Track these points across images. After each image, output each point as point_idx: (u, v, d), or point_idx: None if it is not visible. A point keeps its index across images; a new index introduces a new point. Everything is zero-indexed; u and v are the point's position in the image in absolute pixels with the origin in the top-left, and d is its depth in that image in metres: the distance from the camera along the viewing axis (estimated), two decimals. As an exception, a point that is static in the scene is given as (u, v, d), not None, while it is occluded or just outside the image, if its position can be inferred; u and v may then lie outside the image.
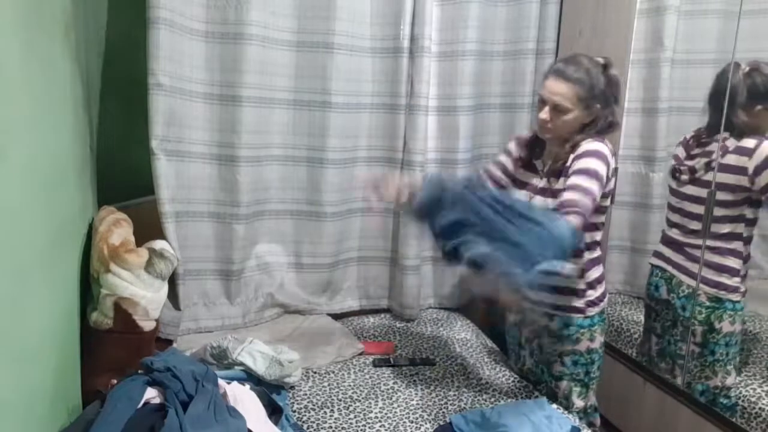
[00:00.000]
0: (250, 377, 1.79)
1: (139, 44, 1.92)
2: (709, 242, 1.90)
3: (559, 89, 1.65)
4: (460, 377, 2.04)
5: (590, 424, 1.87)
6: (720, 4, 2.08)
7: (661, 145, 2.27)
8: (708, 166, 1.87)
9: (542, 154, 1.81)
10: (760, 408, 1.82)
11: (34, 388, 1.12)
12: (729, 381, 1.92)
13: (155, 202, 2.02)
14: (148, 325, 1.63)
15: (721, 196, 1.84)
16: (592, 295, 1.77)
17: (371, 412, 1.82)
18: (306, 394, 1.89)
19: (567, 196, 1.57)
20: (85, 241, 1.66)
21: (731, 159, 1.80)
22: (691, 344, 1.98)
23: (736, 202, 1.81)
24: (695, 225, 1.93)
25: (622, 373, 2.25)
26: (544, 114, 1.67)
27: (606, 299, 1.83)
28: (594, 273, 1.77)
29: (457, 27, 2.38)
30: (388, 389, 1.95)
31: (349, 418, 1.78)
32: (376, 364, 2.11)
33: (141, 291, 1.60)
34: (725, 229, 1.86)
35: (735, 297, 1.87)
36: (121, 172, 2.12)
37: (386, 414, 1.81)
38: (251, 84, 2.12)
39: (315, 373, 2.02)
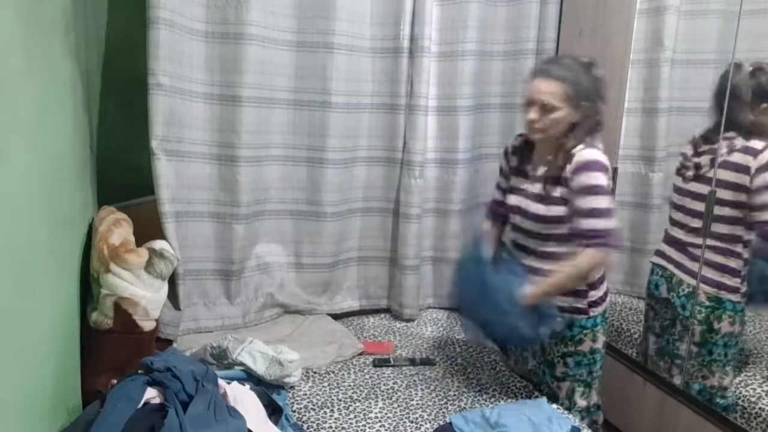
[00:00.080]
0: (250, 377, 1.79)
1: (139, 44, 1.92)
2: (710, 242, 1.90)
3: (545, 88, 1.66)
4: (460, 377, 2.04)
5: (593, 423, 1.87)
6: (720, 4, 2.08)
7: (661, 145, 2.27)
8: (713, 163, 1.87)
9: (532, 159, 1.82)
10: (760, 408, 1.82)
11: (34, 388, 1.12)
12: (726, 381, 1.92)
13: (155, 202, 2.02)
14: (148, 325, 1.63)
15: (723, 194, 1.84)
16: (594, 295, 1.78)
17: (371, 412, 1.82)
18: (306, 394, 1.89)
19: (587, 224, 1.62)
20: (85, 241, 1.66)
21: (737, 157, 1.80)
22: (690, 343, 1.98)
23: (737, 203, 1.81)
24: (696, 223, 1.93)
25: (622, 373, 2.25)
26: (533, 114, 1.69)
27: (608, 299, 1.83)
28: (595, 274, 1.78)
29: (457, 27, 2.38)
30: (388, 389, 1.95)
31: (349, 418, 1.78)
32: (376, 364, 2.11)
33: (141, 291, 1.60)
34: (725, 229, 1.86)
35: (735, 297, 1.87)
36: (121, 172, 2.12)
37: (386, 414, 1.81)
38: (251, 84, 2.12)
39: (315, 373, 2.02)
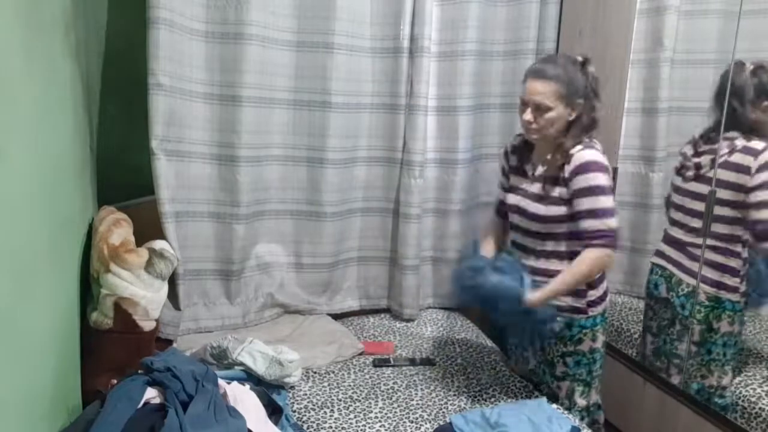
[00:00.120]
0: (250, 377, 1.79)
1: (139, 44, 1.92)
2: (710, 241, 1.90)
3: (538, 88, 1.67)
4: (460, 377, 2.04)
5: (594, 422, 1.87)
6: (720, 4, 2.08)
7: (661, 145, 2.27)
8: (713, 163, 1.87)
9: (531, 158, 1.82)
10: (760, 408, 1.82)
11: (34, 388, 1.12)
12: (725, 381, 1.92)
13: (155, 202, 2.02)
14: (148, 325, 1.63)
15: (723, 194, 1.84)
16: (594, 295, 1.78)
17: (371, 412, 1.82)
18: (306, 394, 1.89)
19: (589, 224, 1.63)
20: (85, 241, 1.66)
21: (737, 157, 1.80)
22: (689, 343, 1.98)
23: (737, 203, 1.81)
24: (696, 223, 1.93)
25: (622, 373, 2.25)
26: (527, 115, 1.71)
27: (607, 299, 1.83)
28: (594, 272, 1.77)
29: (457, 27, 2.38)
30: (388, 389, 1.95)
31: (349, 418, 1.78)
32: (376, 364, 2.11)
33: (141, 291, 1.60)
34: (725, 229, 1.86)
35: (735, 297, 1.87)
36: (121, 172, 2.12)
37: (386, 414, 1.81)
38: (251, 84, 2.12)
39: (315, 373, 2.02)
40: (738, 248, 1.85)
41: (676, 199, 2.02)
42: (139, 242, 1.71)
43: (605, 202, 1.63)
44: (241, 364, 1.81)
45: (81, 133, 1.67)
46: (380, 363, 2.11)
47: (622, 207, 2.36)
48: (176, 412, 1.24)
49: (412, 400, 1.89)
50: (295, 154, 2.30)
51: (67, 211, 1.46)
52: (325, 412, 1.80)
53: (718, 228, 1.87)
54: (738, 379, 1.93)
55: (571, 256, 1.74)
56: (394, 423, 1.76)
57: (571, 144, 1.68)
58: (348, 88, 2.28)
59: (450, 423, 1.71)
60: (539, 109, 1.68)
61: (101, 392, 1.37)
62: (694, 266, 1.95)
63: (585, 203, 1.64)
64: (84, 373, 1.54)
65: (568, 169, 1.67)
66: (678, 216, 2.01)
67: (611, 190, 1.67)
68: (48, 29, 1.32)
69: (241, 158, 2.16)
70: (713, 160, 1.87)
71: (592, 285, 1.77)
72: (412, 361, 2.13)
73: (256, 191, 2.25)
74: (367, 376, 2.03)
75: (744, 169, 1.77)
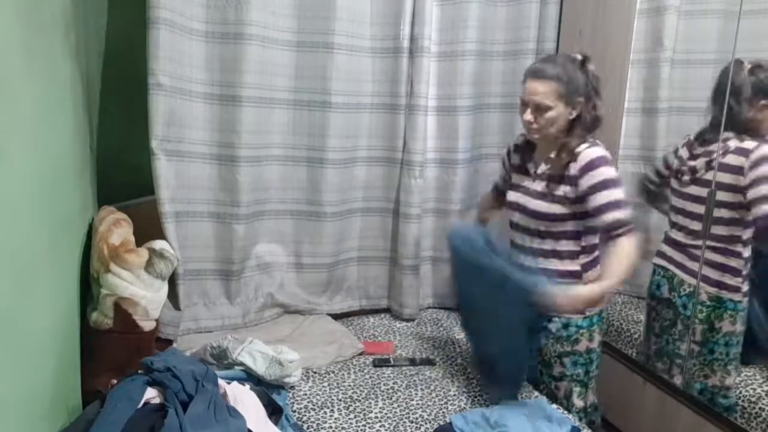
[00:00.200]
0: (250, 377, 1.79)
1: (139, 44, 1.92)
2: (711, 242, 1.90)
3: (537, 88, 1.68)
4: (460, 377, 2.04)
5: (591, 423, 1.87)
6: (720, 4, 2.08)
7: (661, 145, 2.27)
8: (708, 165, 1.87)
9: (533, 157, 1.82)
10: (760, 408, 1.82)
11: (34, 388, 1.12)
12: (728, 381, 1.92)
13: (155, 202, 2.02)
14: (148, 325, 1.63)
15: (720, 196, 1.84)
16: None
17: (371, 412, 1.82)
18: (306, 394, 1.89)
19: (612, 216, 1.63)
20: (85, 241, 1.66)
21: (731, 159, 1.80)
22: (691, 343, 1.98)
23: (735, 204, 1.82)
24: (696, 225, 1.93)
25: (622, 373, 2.25)
26: (528, 115, 1.72)
27: (605, 299, 1.83)
28: (592, 274, 1.78)
29: (457, 27, 2.37)
30: (388, 389, 1.95)
31: (349, 418, 1.78)
32: (376, 364, 2.11)
33: (141, 291, 1.60)
34: (724, 230, 1.86)
35: (736, 297, 1.88)
36: (121, 172, 2.12)
37: (386, 414, 1.81)
38: (251, 84, 2.11)
39: (315, 373, 2.02)
40: (739, 248, 1.85)
41: (675, 202, 2.02)
42: (139, 242, 1.71)
43: (621, 194, 1.64)
44: (241, 364, 1.81)
45: (81, 133, 1.67)
46: (380, 363, 2.11)
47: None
48: (176, 412, 1.24)
49: (412, 400, 1.89)
50: (295, 154, 2.30)
51: (67, 211, 1.46)
52: (325, 412, 1.80)
53: (718, 229, 1.87)
54: (738, 379, 1.93)
55: (571, 255, 1.75)
56: (394, 423, 1.76)
57: (576, 143, 1.69)
58: (348, 88, 2.28)
59: (450, 423, 1.71)
60: (539, 109, 1.68)
61: (101, 392, 1.37)
62: (695, 267, 1.95)
63: (603, 197, 1.64)
64: (84, 373, 1.54)
65: (575, 167, 1.67)
66: (678, 219, 2.01)
67: (621, 182, 1.67)
68: (48, 29, 1.32)
69: (241, 158, 2.16)
70: (708, 163, 1.87)
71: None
72: (412, 361, 2.13)
73: (256, 191, 2.25)
74: (367, 376, 2.03)
75: (737, 170, 1.78)
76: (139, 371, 1.39)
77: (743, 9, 1.81)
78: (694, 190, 1.93)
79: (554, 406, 1.80)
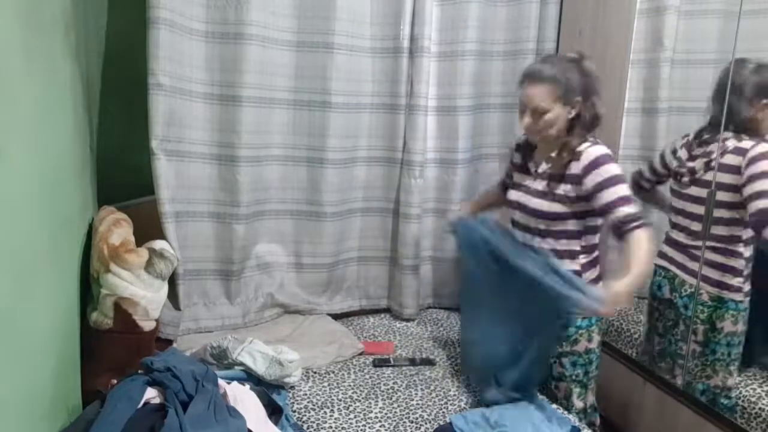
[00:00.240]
0: (250, 377, 1.79)
1: (139, 44, 1.92)
2: (712, 243, 1.90)
3: (534, 92, 1.68)
4: (460, 377, 2.04)
5: (590, 424, 1.87)
6: (720, 4, 2.08)
7: (661, 145, 2.27)
8: (707, 166, 1.87)
9: (534, 156, 1.83)
10: (760, 408, 1.82)
11: (34, 388, 1.12)
12: (730, 381, 1.92)
13: (155, 202, 2.02)
14: (148, 325, 1.63)
15: (720, 196, 1.84)
16: None
17: (371, 412, 1.82)
18: (306, 394, 1.89)
19: (624, 211, 1.61)
20: (85, 241, 1.66)
21: (729, 159, 1.80)
22: (693, 343, 1.98)
23: (735, 204, 1.81)
24: (696, 226, 1.93)
25: (622, 373, 2.25)
26: (527, 118, 1.71)
27: None
28: (591, 274, 1.78)
29: (457, 27, 2.38)
30: (388, 389, 1.95)
31: (349, 418, 1.78)
32: (376, 364, 2.11)
33: (141, 291, 1.60)
34: (725, 231, 1.86)
35: (738, 297, 1.87)
36: (121, 172, 2.13)
37: (386, 414, 1.81)
38: (251, 84, 2.12)
39: (315, 373, 2.02)
40: (740, 248, 1.85)
41: (675, 203, 2.02)
42: (139, 242, 1.71)
43: (628, 189, 1.64)
44: (241, 364, 1.81)
45: (81, 133, 1.67)
46: (380, 363, 2.11)
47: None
48: (176, 412, 1.24)
49: (412, 400, 1.89)
50: (295, 154, 2.30)
51: (67, 211, 1.46)
52: (325, 412, 1.80)
53: (719, 230, 1.87)
54: (738, 379, 1.93)
55: (571, 255, 1.75)
56: (394, 423, 1.76)
57: (577, 142, 1.69)
58: (348, 88, 2.28)
59: (450, 423, 1.71)
60: (537, 112, 1.68)
61: (101, 392, 1.37)
62: (696, 267, 1.95)
63: (611, 193, 1.63)
64: (84, 373, 1.54)
65: (577, 166, 1.67)
66: (678, 219, 2.01)
67: (626, 179, 1.67)
68: (48, 29, 1.32)
69: (241, 158, 2.16)
70: (707, 164, 1.87)
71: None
72: (412, 361, 2.13)
73: (256, 191, 2.25)
74: (367, 376, 2.03)
75: (736, 170, 1.78)
76: (139, 371, 1.39)
77: (743, 9, 1.81)
78: (693, 191, 1.93)
79: (554, 406, 1.80)
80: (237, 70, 2.09)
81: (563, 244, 1.75)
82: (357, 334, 2.35)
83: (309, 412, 1.80)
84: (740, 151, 1.77)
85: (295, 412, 1.80)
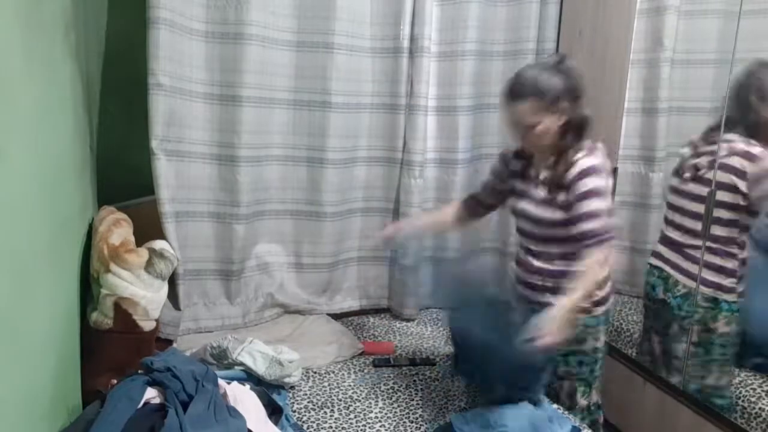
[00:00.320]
0: (250, 377, 1.79)
1: (139, 44, 1.92)
2: (708, 243, 1.90)
3: (517, 111, 1.67)
4: (460, 377, 2.04)
5: (594, 422, 1.87)
6: (720, 4, 2.08)
7: (661, 145, 2.27)
8: (712, 164, 1.87)
9: (533, 163, 1.82)
10: (760, 408, 1.82)
11: (34, 388, 1.12)
12: (724, 381, 1.92)
13: (155, 202, 2.02)
14: (148, 325, 1.63)
15: (720, 196, 1.84)
16: (599, 294, 1.77)
17: (371, 412, 1.82)
18: (306, 394, 1.89)
19: (587, 226, 1.62)
20: (85, 241, 1.66)
21: (735, 161, 1.79)
22: (688, 344, 1.98)
23: (734, 206, 1.81)
24: (693, 224, 1.93)
25: (622, 373, 2.25)
26: (517, 135, 1.72)
27: (612, 299, 1.83)
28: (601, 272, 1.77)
29: (457, 27, 2.38)
30: (388, 389, 1.95)
31: (349, 418, 1.78)
32: (376, 364, 2.11)
33: (141, 291, 1.60)
34: (722, 231, 1.86)
35: (731, 297, 1.87)
36: (121, 172, 2.12)
37: (386, 414, 1.81)
38: (251, 84, 2.12)
39: (315, 373, 2.02)
40: (734, 250, 1.85)
41: (673, 199, 2.02)
42: (139, 242, 1.71)
43: (598, 204, 1.63)
44: (241, 364, 1.81)
45: (81, 133, 1.67)
46: (380, 363, 2.11)
47: (622, 207, 2.37)
48: (176, 412, 1.24)
49: (412, 400, 1.89)
50: (295, 154, 2.30)
51: (67, 211, 1.46)
52: (325, 412, 1.80)
53: (716, 230, 1.87)
54: (738, 379, 1.93)
55: (580, 257, 1.74)
56: (394, 423, 1.76)
57: (573, 151, 1.68)
58: (348, 88, 2.28)
59: (450, 423, 1.71)
60: (526, 127, 1.68)
61: (101, 392, 1.37)
62: (690, 267, 1.95)
63: (582, 206, 1.64)
64: (84, 373, 1.54)
65: (571, 175, 1.68)
66: (675, 217, 2.01)
67: (607, 192, 1.66)
68: (48, 29, 1.32)
69: (241, 158, 2.16)
70: (712, 162, 1.87)
71: (598, 284, 1.76)
72: (412, 361, 2.13)
73: (256, 191, 2.25)
74: (367, 376, 2.03)
75: (741, 173, 1.77)
76: (139, 371, 1.39)
77: (743, 9, 1.81)
78: (694, 188, 1.93)
79: (555, 406, 1.80)
80: (237, 70, 2.09)
81: (569, 248, 1.74)
82: (357, 334, 2.35)
83: (309, 412, 1.80)
84: (748, 155, 1.76)
85: (295, 412, 1.80)
